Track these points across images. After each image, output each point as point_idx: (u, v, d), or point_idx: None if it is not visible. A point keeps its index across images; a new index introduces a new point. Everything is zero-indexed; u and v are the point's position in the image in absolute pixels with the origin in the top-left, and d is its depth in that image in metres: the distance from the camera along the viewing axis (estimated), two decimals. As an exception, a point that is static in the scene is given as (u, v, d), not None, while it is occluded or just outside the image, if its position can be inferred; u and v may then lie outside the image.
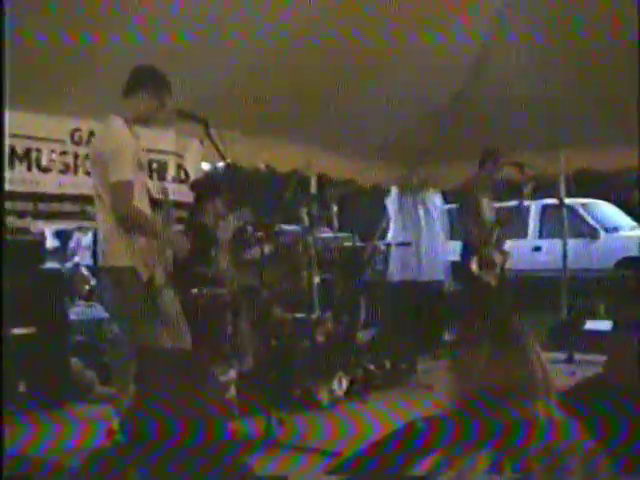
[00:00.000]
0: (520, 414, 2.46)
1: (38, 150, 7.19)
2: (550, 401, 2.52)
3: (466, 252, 8.32)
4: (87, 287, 9.92)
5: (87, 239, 12.34)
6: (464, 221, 8.54)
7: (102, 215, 5.15)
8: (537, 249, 15.62)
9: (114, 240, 5.08)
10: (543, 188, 11.11)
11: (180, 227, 6.92)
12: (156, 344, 4.91)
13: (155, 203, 5.38)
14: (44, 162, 7.23)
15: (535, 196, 14.56)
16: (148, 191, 5.33)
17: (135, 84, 5.24)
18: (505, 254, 8.47)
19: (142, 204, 5.15)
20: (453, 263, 10.90)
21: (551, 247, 14.54)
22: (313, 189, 9.77)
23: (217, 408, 2.38)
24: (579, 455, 2.42)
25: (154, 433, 2.21)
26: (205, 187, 7.30)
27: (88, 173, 6.71)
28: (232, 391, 6.09)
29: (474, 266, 8.08)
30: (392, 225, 12.05)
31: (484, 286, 8.11)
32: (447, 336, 9.36)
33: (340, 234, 11.11)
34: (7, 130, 6.08)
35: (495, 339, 2.65)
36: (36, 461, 4.89)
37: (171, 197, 6.61)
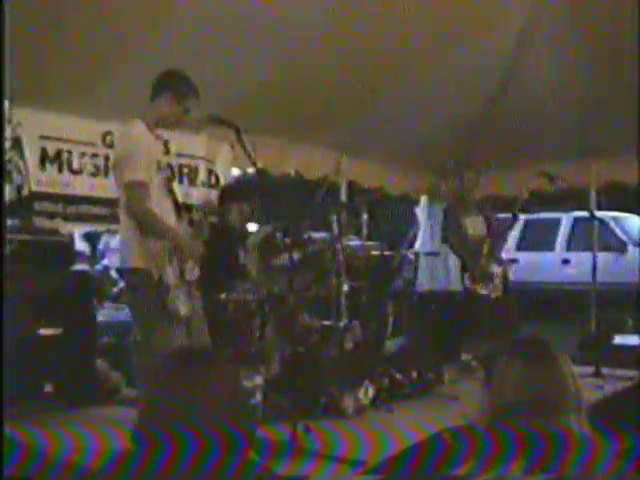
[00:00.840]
0: (551, 427, 2.43)
1: (69, 152, 7.23)
2: (581, 415, 2.49)
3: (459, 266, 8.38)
4: (115, 289, 9.97)
5: (116, 242, 12.39)
6: (447, 235, 8.55)
7: (120, 217, 5.17)
8: (566, 262, 15.53)
9: (129, 242, 5.09)
10: (574, 200, 11.04)
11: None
12: (171, 349, 4.87)
13: (179, 208, 5.33)
14: (75, 164, 7.28)
15: (566, 208, 14.58)
16: (174, 196, 5.30)
17: (160, 87, 5.24)
18: (505, 264, 8.46)
19: (161, 208, 5.10)
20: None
21: (580, 260, 14.45)
22: (343, 196, 9.77)
23: (242, 414, 2.36)
24: (608, 469, 2.39)
25: (175, 439, 2.19)
26: (234, 192, 7.31)
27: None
28: (258, 397, 6.08)
29: (466, 280, 8.11)
30: (421, 234, 12.01)
31: (480, 298, 8.12)
32: (474, 347, 9.30)
33: (369, 242, 11.06)
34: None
35: (517, 351, 2.63)
36: (58, 462, 4.89)
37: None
